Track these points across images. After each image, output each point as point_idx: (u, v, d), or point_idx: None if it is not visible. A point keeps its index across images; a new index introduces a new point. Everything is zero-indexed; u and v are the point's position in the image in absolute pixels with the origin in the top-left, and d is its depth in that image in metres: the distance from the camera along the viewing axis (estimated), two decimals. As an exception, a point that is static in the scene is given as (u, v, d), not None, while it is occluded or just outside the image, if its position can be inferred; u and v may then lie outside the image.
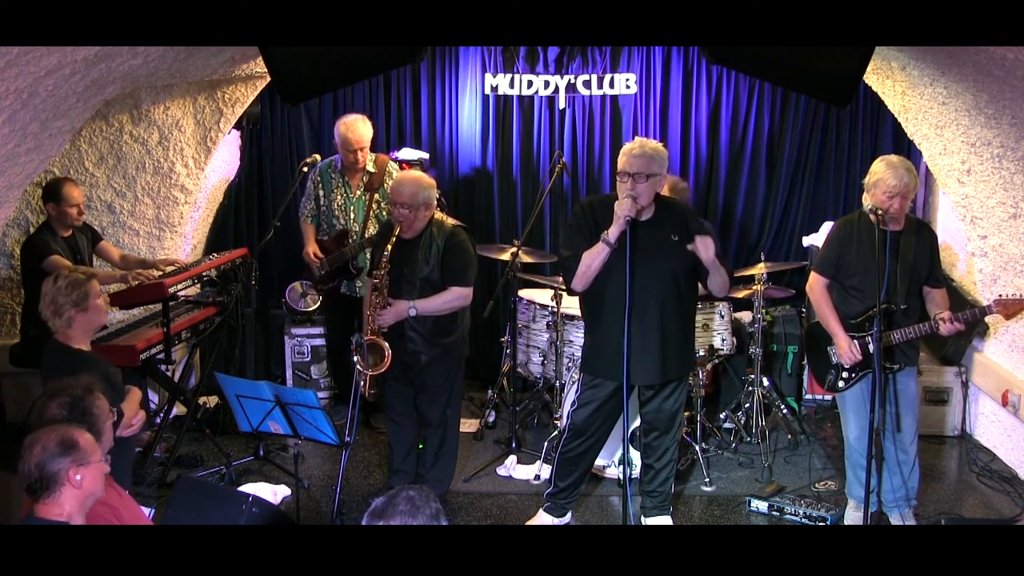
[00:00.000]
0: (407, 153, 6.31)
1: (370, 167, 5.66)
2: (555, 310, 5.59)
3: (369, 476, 5.27)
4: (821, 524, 4.65)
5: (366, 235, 5.60)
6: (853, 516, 4.57)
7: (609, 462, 5.08)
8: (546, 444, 5.19)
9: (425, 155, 6.41)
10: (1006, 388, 5.32)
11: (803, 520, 4.72)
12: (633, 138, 4.31)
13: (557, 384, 5.67)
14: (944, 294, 4.46)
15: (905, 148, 6.16)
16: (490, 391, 6.06)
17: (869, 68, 4.78)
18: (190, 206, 6.07)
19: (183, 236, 6.15)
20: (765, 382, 5.69)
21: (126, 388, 4.13)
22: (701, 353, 5.37)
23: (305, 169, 5.65)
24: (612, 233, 4.04)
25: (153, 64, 4.21)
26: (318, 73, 4.24)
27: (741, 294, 5.56)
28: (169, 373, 5.54)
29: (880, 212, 4.14)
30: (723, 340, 5.53)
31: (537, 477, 5.16)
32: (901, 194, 4.19)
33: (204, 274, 5.38)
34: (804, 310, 6.16)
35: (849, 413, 4.44)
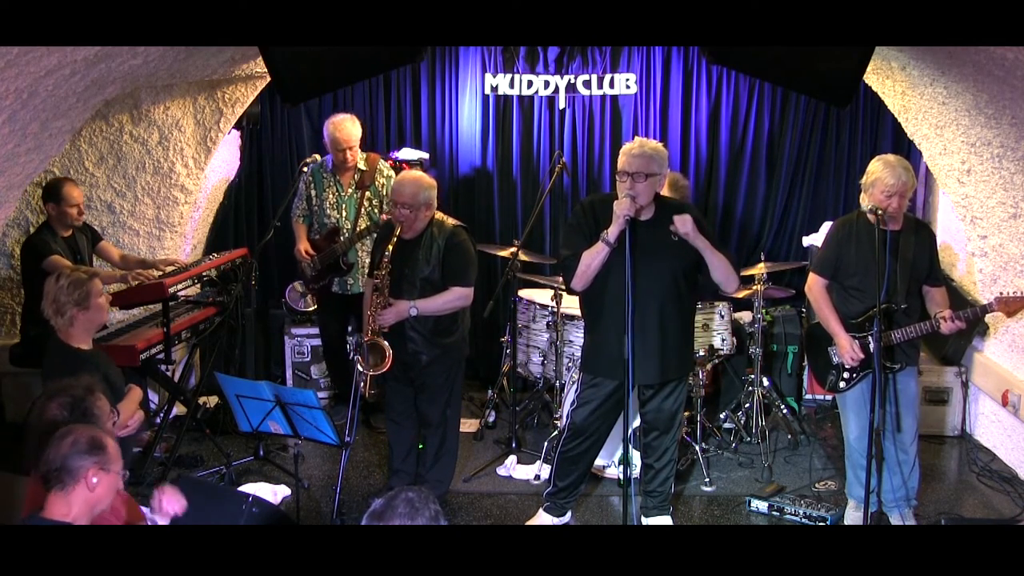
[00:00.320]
0: (407, 153, 6.31)
1: (361, 165, 5.67)
2: (555, 310, 5.59)
3: (369, 476, 5.27)
4: (821, 524, 4.65)
5: (357, 231, 5.61)
6: (853, 516, 4.57)
7: (609, 462, 5.08)
8: (546, 444, 5.19)
9: (425, 155, 6.41)
10: (1006, 388, 5.32)
11: (803, 520, 4.72)
12: (633, 138, 4.30)
13: (557, 384, 5.67)
14: (944, 293, 4.46)
15: (905, 148, 6.16)
16: (490, 391, 6.06)
17: (869, 68, 4.78)
18: (190, 206, 6.07)
19: (183, 236, 6.15)
20: (765, 382, 5.69)
21: (127, 387, 4.14)
22: (701, 353, 5.37)
23: (305, 169, 5.66)
24: (612, 233, 4.04)
25: (153, 64, 4.21)
26: (318, 73, 4.24)
27: (741, 294, 5.55)
28: (169, 373, 5.54)
29: (880, 212, 4.14)
30: (723, 340, 5.53)
31: (537, 477, 5.16)
32: (899, 193, 4.19)
33: (204, 274, 5.38)
34: (804, 310, 6.16)
35: (849, 413, 4.44)
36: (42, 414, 3.05)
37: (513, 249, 5.46)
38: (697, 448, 5.25)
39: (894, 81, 5.65)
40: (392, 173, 5.74)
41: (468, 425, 5.81)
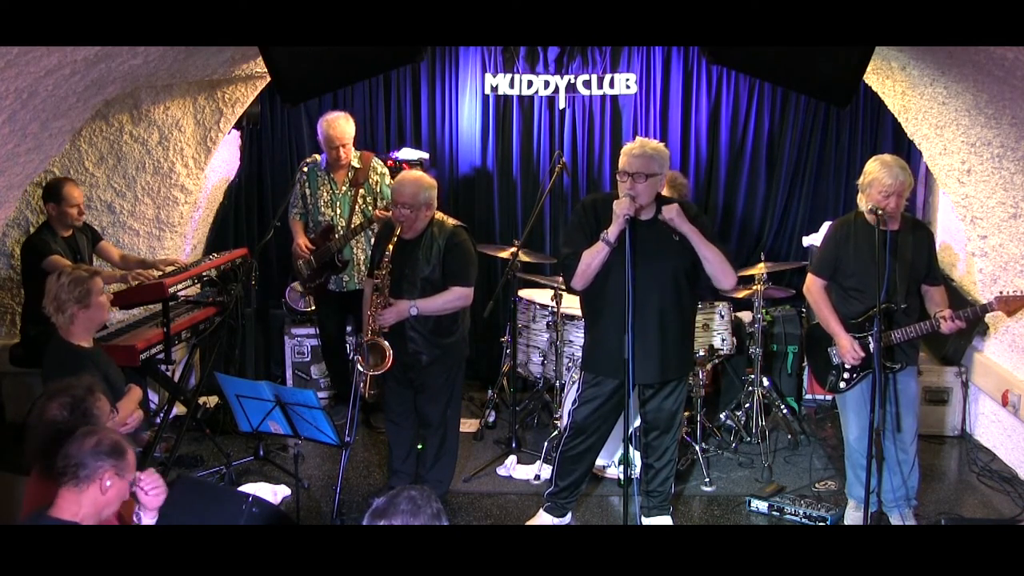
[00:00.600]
0: (407, 153, 6.31)
1: (355, 163, 5.69)
2: (555, 310, 5.59)
3: (369, 476, 5.27)
4: (821, 524, 4.65)
5: (351, 227, 5.62)
6: (853, 516, 4.57)
7: (609, 462, 5.08)
8: (546, 444, 5.19)
9: (425, 155, 6.41)
10: (1006, 388, 5.32)
11: (803, 520, 4.72)
12: (633, 138, 4.31)
13: (557, 384, 5.67)
14: (943, 292, 4.46)
15: (905, 148, 6.16)
16: (490, 391, 6.06)
17: (869, 68, 4.78)
18: (190, 206, 6.07)
19: (183, 236, 6.15)
20: (765, 382, 5.69)
21: (127, 387, 4.14)
22: (701, 353, 5.37)
23: (305, 169, 5.66)
24: (612, 232, 4.04)
25: (153, 64, 4.21)
26: (318, 73, 4.23)
27: (741, 294, 5.56)
28: (169, 373, 5.54)
29: (880, 212, 4.14)
30: (723, 340, 5.53)
31: (537, 477, 5.16)
32: (897, 192, 4.19)
33: (204, 274, 5.37)
34: (804, 310, 6.15)
35: (849, 413, 4.44)
36: (42, 414, 3.05)
37: (513, 249, 5.46)
38: (697, 448, 5.25)
39: (894, 81, 5.65)
40: (385, 170, 5.76)
41: (468, 425, 5.81)
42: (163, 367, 5.24)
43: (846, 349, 4.31)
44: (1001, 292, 4.36)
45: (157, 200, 5.94)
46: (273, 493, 4.91)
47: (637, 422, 4.50)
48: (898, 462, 4.37)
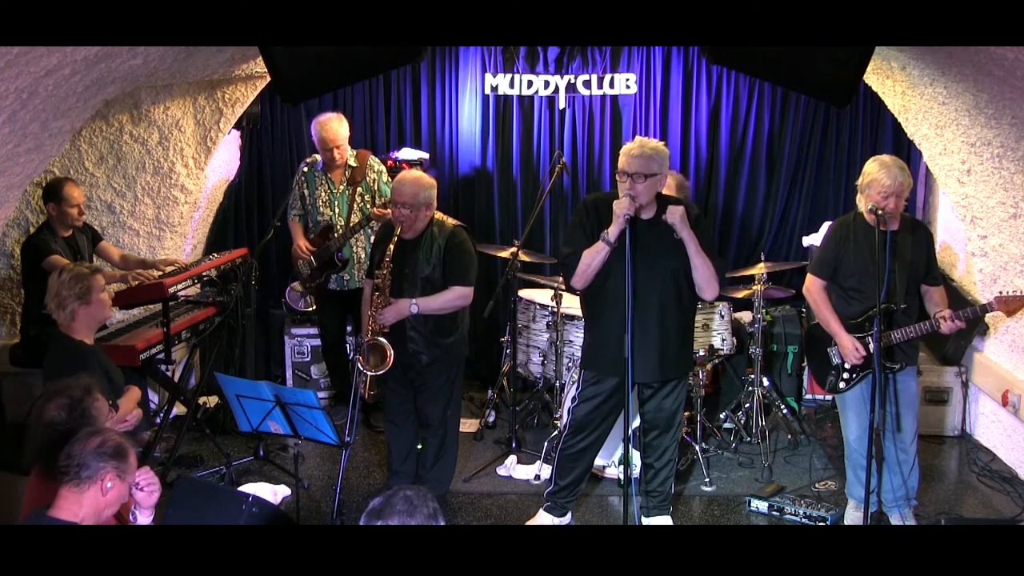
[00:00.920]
0: (407, 153, 6.31)
1: (351, 162, 5.69)
2: (555, 310, 5.59)
3: (369, 476, 5.27)
4: (821, 524, 4.65)
5: (350, 225, 5.62)
6: (853, 516, 4.57)
7: (609, 462, 5.07)
8: (546, 444, 5.19)
9: (425, 155, 6.41)
10: (1006, 388, 5.32)
11: (803, 520, 4.72)
12: (633, 138, 4.30)
13: (557, 384, 5.67)
14: (943, 292, 4.46)
15: (905, 148, 6.16)
16: (490, 391, 6.06)
17: (869, 68, 4.78)
18: (190, 206, 6.07)
19: (183, 236, 6.15)
20: (765, 382, 5.69)
21: (126, 387, 4.14)
22: (701, 353, 5.37)
23: (305, 169, 5.65)
24: (612, 232, 4.04)
25: (153, 64, 4.21)
26: (318, 73, 4.23)
27: (741, 294, 5.56)
28: (169, 373, 5.54)
29: (879, 212, 4.14)
30: (723, 340, 5.53)
31: (537, 477, 5.16)
32: (896, 193, 4.19)
33: (204, 274, 5.37)
34: (804, 310, 6.15)
35: (849, 413, 4.44)
36: (41, 415, 3.05)
37: (513, 249, 5.45)
38: (697, 448, 5.25)
39: (894, 81, 5.65)
40: (383, 168, 5.77)
41: (468, 425, 5.81)
42: (163, 367, 5.24)
43: (848, 349, 4.31)
44: (1001, 292, 4.36)
45: (157, 200, 5.94)
46: (273, 493, 4.91)
47: (637, 422, 4.50)
48: (898, 462, 4.36)
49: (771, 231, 6.71)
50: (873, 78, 5.70)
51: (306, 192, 5.73)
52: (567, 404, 4.80)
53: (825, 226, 5.19)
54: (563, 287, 5.47)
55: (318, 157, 5.74)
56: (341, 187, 5.68)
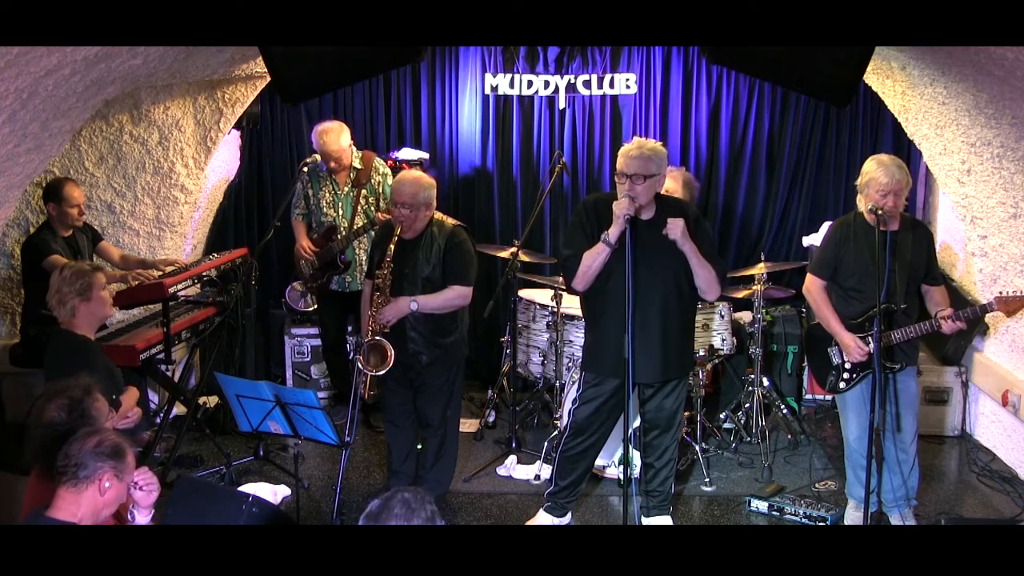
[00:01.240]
0: (407, 153, 6.31)
1: (356, 164, 5.68)
2: (555, 310, 5.59)
3: (369, 476, 5.27)
4: (821, 524, 4.65)
5: (353, 228, 5.62)
6: (853, 516, 4.57)
7: (609, 462, 5.07)
8: (546, 444, 5.19)
9: (425, 155, 6.41)
10: (1006, 388, 5.32)
11: (803, 520, 4.72)
12: (633, 138, 4.30)
13: (557, 384, 5.67)
14: (943, 292, 4.46)
15: (905, 148, 6.16)
16: (490, 391, 6.06)
17: (869, 68, 4.78)
18: (190, 206, 6.07)
19: (183, 236, 6.15)
20: (765, 382, 5.69)
21: (125, 387, 4.14)
22: (701, 353, 5.37)
23: (305, 169, 5.65)
24: (612, 234, 4.04)
25: (153, 64, 4.21)
26: (318, 73, 4.23)
27: (741, 294, 5.56)
28: (169, 373, 5.54)
29: (879, 212, 4.14)
30: (723, 340, 5.53)
31: (537, 477, 5.16)
32: (894, 191, 4.19)
33: (204, 274, 5.38)
34: (804, 310, 6.15)
35: (849, 413, 4.44)
36: (40, 415, 3.05)
37: (513, 249, 5.45)
38: (697, 448, 5.25)
39: (894, 81, 5.65)
40: (387, 171, 5.76)
41: (468, 425, 5.81)
42: (163, 367, 5.24)
43: (850, 346, 4.30)
44: (1001, 292, 4.36)
45: (157, 200, 5.94)
46: (273, 493, 4.91)
47: (637, 422, 4.50)
48: (898, 462, 4.36)
49: (771, 231, 6.71)
50: (873, 78, 5.70)
51: (310, 192, 5.73)
52: (567, 405, 4.80)
53: (825, 226, 5.19)
54: (563, 287, 5.47)
55: (318, 157, 5.73)
56: (345, 189, 5.68)
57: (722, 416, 5.78)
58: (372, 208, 5.66)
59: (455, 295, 4.51)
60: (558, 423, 5.22)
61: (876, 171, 4.21)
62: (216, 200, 6.52)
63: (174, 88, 5.62)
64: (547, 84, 6.56)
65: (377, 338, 4.45)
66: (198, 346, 5.69)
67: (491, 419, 5.94)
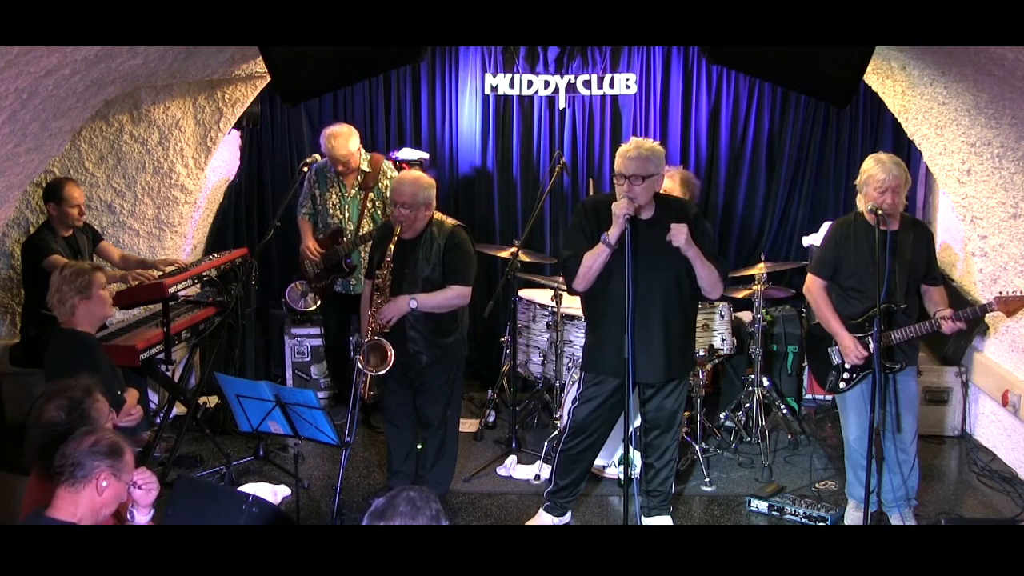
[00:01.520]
0: (407, 153, 6.31)
1: (364, 167, 5.67)
2: (555, 310, 5.59)
3: (369, 476, 5.27)
4: (821, 524, 4.65)
5: (360, 233, 5.61)
6: (853, 516, 4.57)
7: (609, 462, 5.07)
8: (546, 444, 5.19)
9: (425, 155, 6.41)
10: (1006, 388, 5.32)
11: (803, 520, 4.72)
12: (631, 138, 4.31)
13: (557, 384, 5.67)
14: (943, 292, 4.46)
15: (905, 148, 6.16)
16: (490, 391, 6.06)
17: (869, 68, 4.78)
18: (190, 206, 6.07)
19: (183, 236, 6.15)
20: (765, 382, 5.69)
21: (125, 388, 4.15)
22: (701, 353, 5.37)
23: (305, 169, 5.65)
24: (612, 234, 4.04)
25: (153, 64, 4.21)
26: (318, 73, 4.23)
27: (741, 294, 5.56)
28: (169, 373, 5.54)
29: (879, 212, 4.14)
30: (723, 340, 5.53)
31: (537, 477, 5.16)
32: (892, 188, 4.19)
33: (204, 274, 5.38)
34: (804, 310, 6.15)
35: (850, 413, 4.44)
36: (40, 416, 3.05)
37: (513, 249, 5.45)
38: (697, 448, 5.25)
39: (894, 81, 5.65)
40: (396, 174, 5.74)
41: (468, 425, 5.81)
42: (163, 367, 5.24)
43: (849, 348, 4.31)
44: (1001, 292, 4.36)
45: (157, 200, 5.94)
46: (273, 493, 4.91)
47: (637, 422, 4.50)
48: (898, 462, 4.36)
49: (771, 231, 6.71)
50: (873, 78, 5.70)
51: (317, 192, 5.72)
52: (567, 405, 4.80)
53: (825, 226, 5.19)
54: (563, 288, 5.47)
55: (318, 157, 5.73)
56: (352, 191, 5.67)
57: (722, 416, 5.78)
58: (379, 212, 5.65)
59: (455, 295, 4.51)
60: (558, 423, 5.22)
61: (874, 168, 4.22)
62: (216, 200, 6.52)
63: (174, 88, 5.62)
64: (547, 84, 6.56)
65: (377, 338, 4.45)
66: (198, 346, 5.69)
67: (491, 419, 5.94)
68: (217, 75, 5.34)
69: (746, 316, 5.83)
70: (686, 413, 5.09)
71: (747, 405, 5.67)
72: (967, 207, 5.49)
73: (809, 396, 6.26)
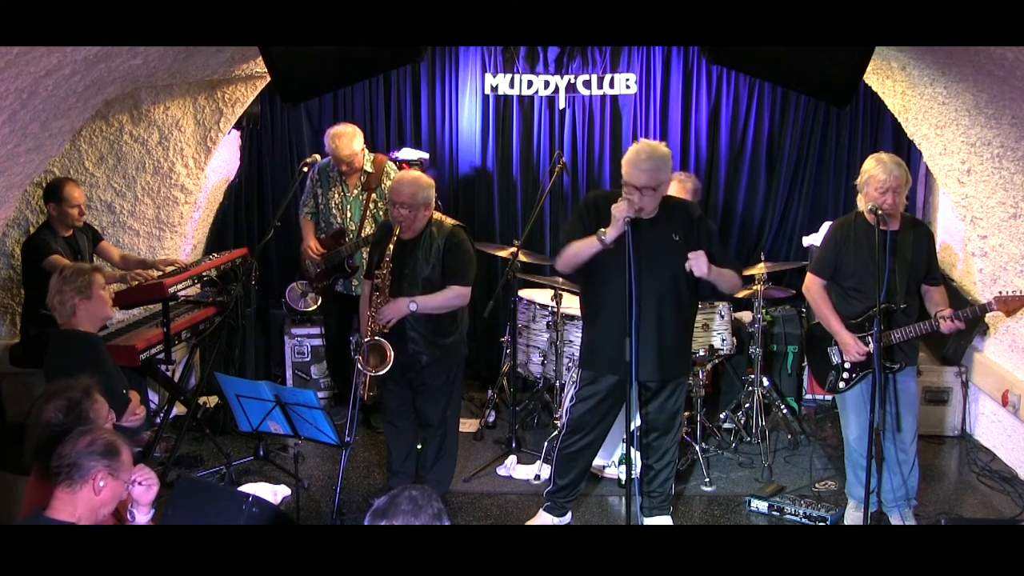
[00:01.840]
0: (407, 153, 6.31)
1: (367, 167, 5.67)
2: (555, 310, 5.59)
3: (369, 476, 5.27)
4: (821, 524, 4.65)
5: (363, 234, 5.61)
6: (853, 516, 4.57)
7: (609, 462, 5.07)
8: (546, 444, 5.19)
9: (425, 155, 6.41)
10: (1006, 388, 5.32)
11: (803, 520, 4.72)
12: (633, 138, 4.30)
13: (557, 384, 5.67)
14: (943, 292, 4.46)
15: (905, 148, 6.16)
16: (490, 391, 6.06)
17: (869, 68, 4.78)
18: (190, 206, 6.07)
19: (183, 236, 6.15)
20: (765, 382, 5.69)
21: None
22: (701, 353, 5.37)
23: (305, 169, 5.65)
24: (609, 235, 4.03)
25: (153, 64, 4.21)
26: (318, 73, 4.23)
27: (741, 294, 5.56)
28: (169, 373, 5.54)
29: (880, 211, 4.15)
30: (723, 340, 5.53)
31: (537, 477, 5.16)
32: (893, 188, 4.19)
33: (204, 274, 5.38)
34: (804, 310, 6.15)
35: (849, 413, 4.44)
36: (39, 416, 3.05)
37: (513, 249, 5.46)
38: (697, 448, 5.25)
39: (894, 81, 5.65)
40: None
41: (468, 425, 5.81)
42: (163, 367, 5.24)
43: (849, 345, 4.30)
44: (1000, 292, 4.36)
45: (157, 200, 5.94)
46: (273, 493, 4.91)
47: (637, 422, 4.50)
48: (898, 462, 4.36)
49: (771, 231, 6.71)
50: (873, 78, 5.70)
51: (319, 192, 5.72)
52: (567, 404, 4.80)
53: (825, 226, 5.19)
54: (563, 287, 5.48)
55: (318, 157, 5.73)
56: (355, 191, 5.67)
57: (722, 416, 5.78)
58: (381, 213, 5.65)
59: (454, 295, 4.51)
60: (558, 423, 5.22)
61: (875, 168, 4.22)
62: (216, 200, 6.52)
63: (174, 88, 5.62)
64: (547, 84, 6.56)
65: (377, 338, 4.45)
66: (198, 346, 5.69)
67: (491, 419, 5.94)
68: (217, 75, 5.34)
69: (746, 316, 5.83)
70: (686, 413, 5.10)
71: (747, 405, 5.67)
72: (967, 207, 5.49)
73: (809, 396, 6.26)
